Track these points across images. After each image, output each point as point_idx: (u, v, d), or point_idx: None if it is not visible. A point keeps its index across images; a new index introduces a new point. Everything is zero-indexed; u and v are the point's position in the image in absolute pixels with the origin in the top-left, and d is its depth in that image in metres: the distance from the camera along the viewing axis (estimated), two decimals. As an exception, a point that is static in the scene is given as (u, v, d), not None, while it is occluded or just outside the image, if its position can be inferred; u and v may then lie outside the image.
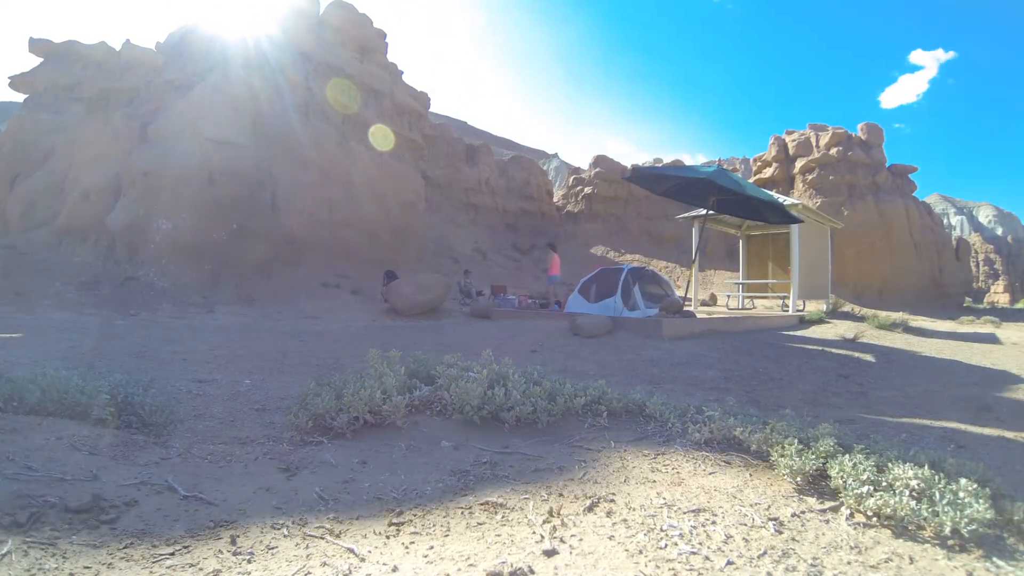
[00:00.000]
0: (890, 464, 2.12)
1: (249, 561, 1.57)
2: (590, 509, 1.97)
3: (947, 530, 1.83)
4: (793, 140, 33.80)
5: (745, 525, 1.87)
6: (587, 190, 39.69)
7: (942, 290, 33.09)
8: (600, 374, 5.88)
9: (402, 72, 24.69)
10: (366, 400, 2.82)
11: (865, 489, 2.00)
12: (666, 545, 1.70)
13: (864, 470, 2.10)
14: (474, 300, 14.50)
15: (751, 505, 2.04)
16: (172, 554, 1.59)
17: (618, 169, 38.84)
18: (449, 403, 3.11)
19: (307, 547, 1.67)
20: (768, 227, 15.64)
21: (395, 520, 1.87)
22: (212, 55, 16.91)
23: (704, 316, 11.38)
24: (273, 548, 1.66)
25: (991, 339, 11.89)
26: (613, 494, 2.11)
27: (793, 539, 1.79)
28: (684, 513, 1.95)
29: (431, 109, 35.23)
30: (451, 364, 3.42)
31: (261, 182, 14.39)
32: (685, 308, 10.47)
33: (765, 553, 1.68)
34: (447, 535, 1.78)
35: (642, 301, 10.64)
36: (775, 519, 1.92)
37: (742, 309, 16.56)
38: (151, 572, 1.49)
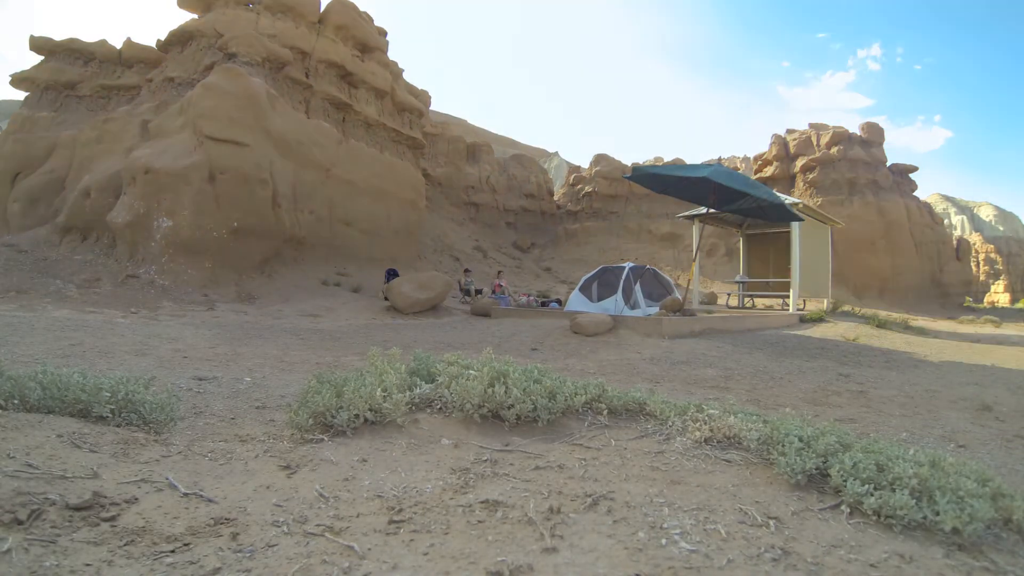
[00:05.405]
0: (890, 463, 2.12)
1: (250, 558, 1.58)
2: (590, 507, 1.97)
3: (947, 529, 1.83)
4: (794, 139, 33.78)
5: (745, 523, 1.87)
6: (587, 188, 39.67)
7: (942, 289, 33.11)
8: (600, 372, 5.88)
9: (403, 70, 24.68)
10: (367, 398, 2.83)
11: (865, 488, 2.00)
12: (666, 543, 1.70)
13: (864, 469, 2.10)
14: (474, 298, 14.51)
15: (751, 503, 2.04)
16: (173, 551, 1.59)
17: (618, 167, 38.84)
18: (449, 401, 3.11)
19: (307, 544, 1.67)
20: (768, 226, 15.63)
21: (395, 518, 1.87)
22: (213, 52, 16.91)
23: (704, 315, 11.38)
24: (273, 545, 1.66)
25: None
26: (613, 492, 2.11)
27: (793, 538, 1.79)
28: (684, 511, 1.95)
29: (432, 107, 35.22)
30: (451, 362, 3.42)
31: (262, 180, 14.38)
32: (685, 307, 10.46)
33: (765, 551, 1.68)
34: (447, 533, 1.78)
35: (643, 299, 10.65)
36: (775, 517, 1.92)
37: (742, 308, 16.56)
38: (152, 570, 1.49)
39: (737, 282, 17.59)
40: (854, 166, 31.51)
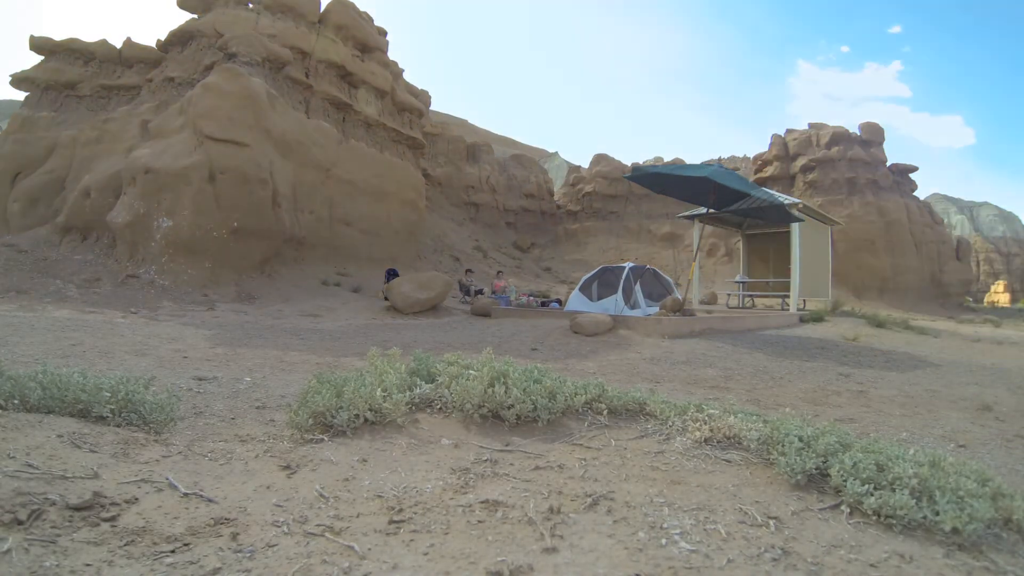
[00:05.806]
0: (890, 463, 2.12)
1: (250, 558, 1.58)
2: (590, 507, 1.97)
3: (947, 529, 1.83)
4: (793, 139, 33.79)
5: (745, 523, 1.87)
6: (587, 188, 39.69)
7: (942, 289, 33.10)
8: (600, 372, 5.88)
9: (403, 70, 24.67)
10: (366, 398, 2.83)
11: (865, 488, 2.00)
12: (666, 543, 1.70)
13: (864, 469, 2.10)
14: (474, 298, 14.50)
15: (751, 503, 2.04)
16: (173, 551, 1.59)
17: (618, 167, 38.87)
18: (450, 401, 3.11)
19: (307, 544, 1.67)
20: (768, 226, 15.61)
21: (395, 518, 1.87)
22: (213, 52, 16.91)
23: (704, 315, 11.37)
24: (274, 545, 1.66)
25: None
26: (613, 492, 2.11)
27: (793, 537, 1.79)
28: (684, 511, 1.95)
29: (432, 107, 35.24)
30: (451, 362, 3.42)
31: (262, 180, 14.37)
32: (685, 307, 10.46)
33: (765, 551, 1.68)
34: (447, 533, 1.78)
35: (643, 299, 10.65)
36: (775, 517, 1.92)
37: (742, 308, 16.55)
38: (152, 570, 1.49)
39: (737, 282, 17.58)
40: (854, 166, 31.53)
